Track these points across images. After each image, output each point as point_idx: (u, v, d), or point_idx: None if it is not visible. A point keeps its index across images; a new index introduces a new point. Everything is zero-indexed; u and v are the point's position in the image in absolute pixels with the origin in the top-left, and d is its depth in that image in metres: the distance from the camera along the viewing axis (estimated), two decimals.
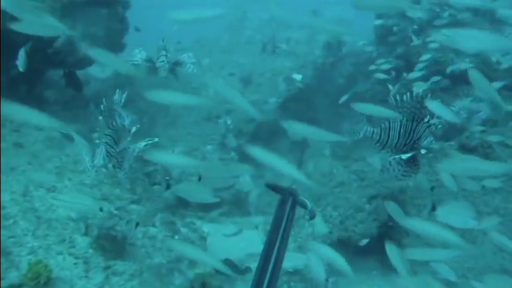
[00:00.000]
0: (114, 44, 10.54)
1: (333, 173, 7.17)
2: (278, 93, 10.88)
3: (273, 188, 2.61)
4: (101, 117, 3.87)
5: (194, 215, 7.76)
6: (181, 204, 7.73)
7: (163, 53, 6.25)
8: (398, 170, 3.93)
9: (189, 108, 11.92)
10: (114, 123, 3.94)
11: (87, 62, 9.03)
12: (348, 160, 7.72)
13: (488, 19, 10.80)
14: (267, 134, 10.62)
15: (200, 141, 10.46)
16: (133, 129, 4.06)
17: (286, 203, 2.45)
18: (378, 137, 4.01)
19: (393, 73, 9.85)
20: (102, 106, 3.89)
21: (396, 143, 3.97)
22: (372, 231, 6.33)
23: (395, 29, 11.16)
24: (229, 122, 10.56)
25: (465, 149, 7.48)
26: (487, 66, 10.33)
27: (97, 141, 3.89)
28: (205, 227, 7.46)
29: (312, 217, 2.66)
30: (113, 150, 3.90)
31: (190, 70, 6.33)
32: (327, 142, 8.45)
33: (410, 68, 10.40)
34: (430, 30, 11.02)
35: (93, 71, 11.42)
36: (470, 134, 7.24)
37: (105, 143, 3.84)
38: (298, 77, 10.76)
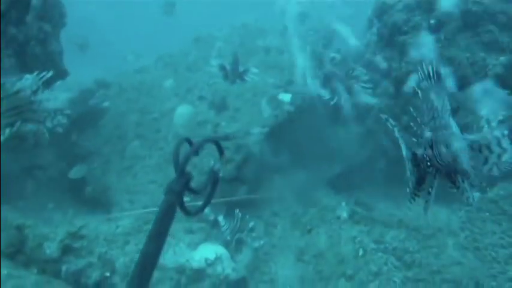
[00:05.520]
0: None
1: (359, 256, 4.61)
2: (262, 121, 8.31)
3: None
4: None
5: None
6: None
7: None
8: None
9: (150, 147, 9.30)
10: None
11: None
12: (376, 226, 5.16)
13: None
14: (253, 175, 8.03)
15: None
16: None
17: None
18: None
19: None
20: None
21: None
22: None
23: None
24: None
25: None
26: None
27: None
28: None
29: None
30: None
31: None
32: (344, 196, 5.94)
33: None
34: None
35: None
36: None
37: None
38: (286, 97, 8.22)
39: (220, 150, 2.27)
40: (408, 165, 2.57)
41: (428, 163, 2.57)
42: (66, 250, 5.23)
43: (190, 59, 12.08)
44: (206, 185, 2.20)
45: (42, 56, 7.51)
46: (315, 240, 5.29)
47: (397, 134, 2.60)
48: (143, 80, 11.87)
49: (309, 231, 5.43)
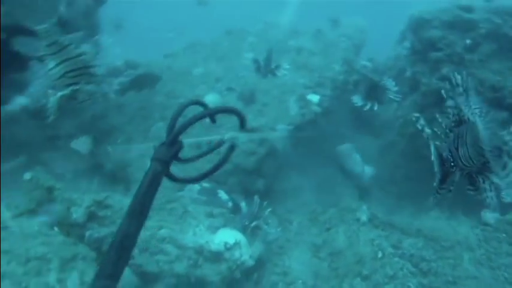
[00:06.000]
0: None
1: (377, 258, 4.71)
2: (289, 118, 8.41)
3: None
4: None
5: None
6: None
7: None
8: None
9: None
10: None
11: None
12: (395, 232, 5.26)
13: None
14: (273, 171, 8.15)
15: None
16: None
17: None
18: None
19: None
20: None
21: None
22: None
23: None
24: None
25: None
26: None
27: None
28: None
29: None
30: None
31: None
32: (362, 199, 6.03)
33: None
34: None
35: None
36: None
37: None
38: (314, 98, 8.33)
39: (241, 119, 1.88)
40: (436, 162, 2.68)
41: (452, 163, 2.70)
42: (91, 217, 5.39)
43: (221, 50, 12.19)
44: (200, 155, 1.93)
45: (83, 29, 7.68)
46: (333, 238, 5.39)
47: (426, 134, 2.70)
48: (172, 65, 12.00)
49: (328, 229, 5.53)
